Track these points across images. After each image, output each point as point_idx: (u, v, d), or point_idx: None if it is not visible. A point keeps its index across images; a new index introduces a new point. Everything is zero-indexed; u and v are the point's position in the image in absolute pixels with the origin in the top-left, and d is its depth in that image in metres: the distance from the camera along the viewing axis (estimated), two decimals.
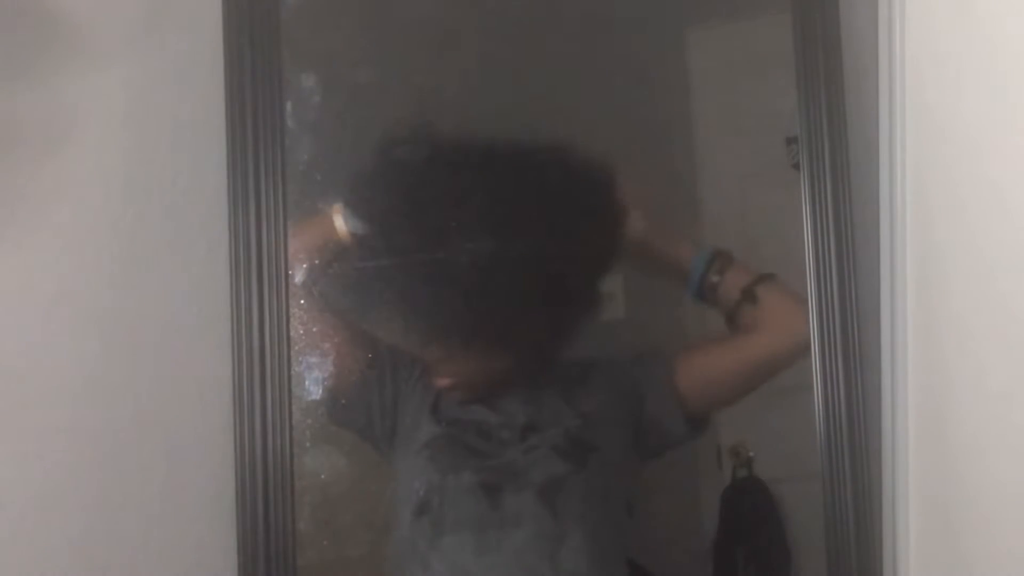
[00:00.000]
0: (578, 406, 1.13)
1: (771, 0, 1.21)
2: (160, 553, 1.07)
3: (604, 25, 1.19)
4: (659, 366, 1.15)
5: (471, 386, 1.12)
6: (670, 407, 1.13)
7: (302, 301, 1.06)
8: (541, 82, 1.17)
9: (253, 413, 1.03)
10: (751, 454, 1.21)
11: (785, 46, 1.18)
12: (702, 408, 1.15)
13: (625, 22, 1.20)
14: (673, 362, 1.15)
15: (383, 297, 1.11)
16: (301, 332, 1.06)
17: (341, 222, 1.09)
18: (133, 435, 1.07)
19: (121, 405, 1.07)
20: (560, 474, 1.09)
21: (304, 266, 1.07)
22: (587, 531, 1.08)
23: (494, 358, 1.13)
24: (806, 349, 1.15)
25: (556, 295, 1.12)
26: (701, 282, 1.15)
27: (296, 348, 1.05)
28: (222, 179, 1.04)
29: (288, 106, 1.06)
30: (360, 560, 1.12)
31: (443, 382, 1.12)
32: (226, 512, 1.03)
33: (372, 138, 1.12)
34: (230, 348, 1.03)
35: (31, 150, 1.05)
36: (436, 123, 1.12)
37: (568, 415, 1.12)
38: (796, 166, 1.18)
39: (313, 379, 1.07)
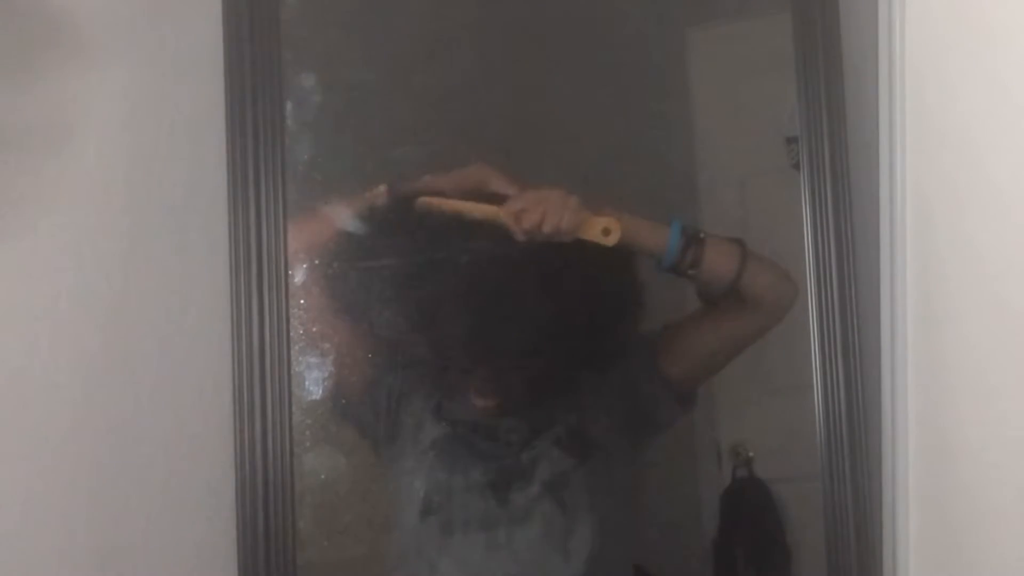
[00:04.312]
0: (575, 401, 1.13)
1: (771, 0, 1.21)
2: (160, 553, 1.07)
3: (604, 25, 1.20)
4: (643, 351, 1.15)
5: (481, 394, 1.12)
6: (659, 390, 1.14)
7: (302, 301, 1.06)
8: (541, 82, 1.17)
9: (253, 413, 1.02)
10: (751, 454, 1.21)
11: (785, 46, 1.18)
12: (689, 384, 1.15)
13: (625, 22, 1.20)
14: (657, 344, 1.14)
15: (387, 296, 1.11)
16: (301, 332, 1.06)
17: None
18: (133, 435, 1.07)
19: (121, 405, 1.07)
20: (565, 469, 1.09)
21: (304, 266, 1.07)
22: (595, 523, 1.08)
23: (501, 361, 1.12)
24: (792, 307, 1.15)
25: (559, 296, 1.12)
26: (675, 268, 1.11)
27: (296, 348, 1.05)
28: (222, 179, 1.04)
29: (288, 106, 1.06)
30: (360, 560, 1.12)
31: (478, 401, 1.11)
32: (226, 512, 1.03)
33: (372, 138, 1.12)
34: (230, 348, 1.03)
35: (31, 150, 1.05)
36: (435, 123, 1.12)
37: (567, 411, 1.12)
38: (796, 166, 1.18)
39: (313, 379, 1.07)
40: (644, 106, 1.21)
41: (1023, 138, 0.95)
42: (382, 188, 1.08)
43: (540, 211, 1.06)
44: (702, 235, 1.11)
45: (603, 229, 1.09)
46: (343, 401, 1.09)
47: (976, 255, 1.02)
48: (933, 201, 1.09)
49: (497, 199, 1.08)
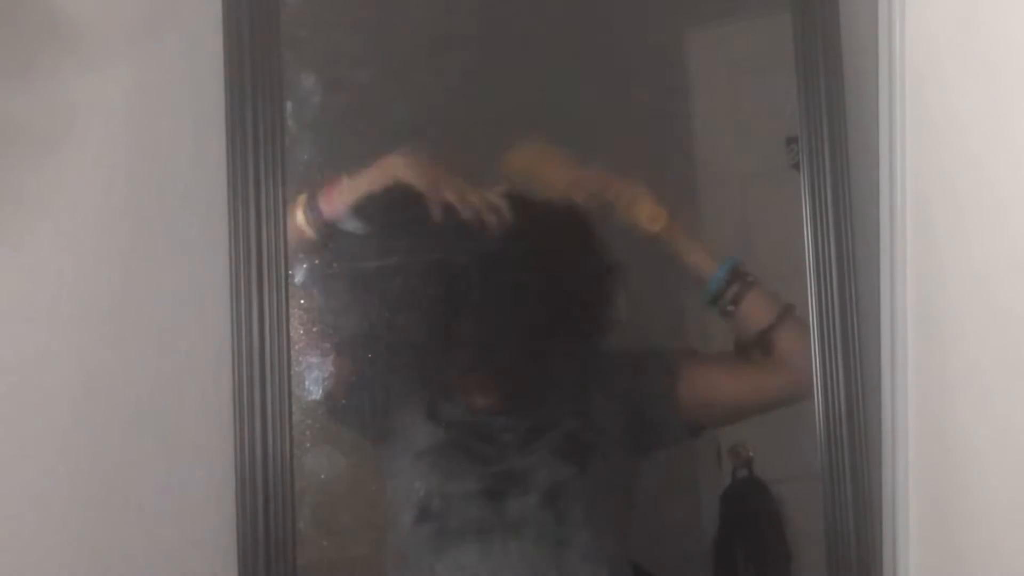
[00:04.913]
0: (578, 406, 1.13)
1: (771, 0, 1.21)
2: (160, 553, 1.07)
3: (604, 25, 1.19)
4: (660, 370, 1.14)
5: (479, 391, 1.12)
6: (669, 413, 1.14)
7: (302, 301, 1.06)
8: (541, 82, 1.17)
9: (253, 413, 1.02)
10: (751, 454, 1.21)
11: (785, 46, 1.18)
12: (700, 420, 1.16)
13: (625, 22, 1.20)
14: (676, 370, 1.14)
15: (381, 297, 1.11)
16: (301, 332, 1.06)
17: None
18: (133, 435, 1.07)
19: (121, 405, 1.07)
20: (562, 478, 1.09)
21: (304, 266, 1.07)
22: (591, 534, 1.08)
23: (498, 360, 1.12)
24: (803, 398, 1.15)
25: (560, 297, 1.12)
26: (715, 302, 1.14)
27: (296, 348, 1.05)
28: (222, 179, 1.04)
29: (288, 106, 1.06)
30: (360, 560, 1.12)
31: (477, 399, 1.11)
32: (226, 512, 1.03)
33: (372, 138, 1.12)
34: (230, 348, 1.03)
35: (31, 150, 1.05)
36: (435, 123, 1.12)
37: (568, 416, 1.12)
38: (796, 166, 1.18)
39: (313, 379, 1.07)
40: (644, 106, 1.21)
41: (1023, 138, 0.95)
42: (301, 198, 1.06)
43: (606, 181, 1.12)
44: (751, 279, 1.14)
45: (649, 215, 1.12)
46: (343, 401, 1.09)
47: (976, 255, 1.02)
48: (933, 201, 1.09)
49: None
